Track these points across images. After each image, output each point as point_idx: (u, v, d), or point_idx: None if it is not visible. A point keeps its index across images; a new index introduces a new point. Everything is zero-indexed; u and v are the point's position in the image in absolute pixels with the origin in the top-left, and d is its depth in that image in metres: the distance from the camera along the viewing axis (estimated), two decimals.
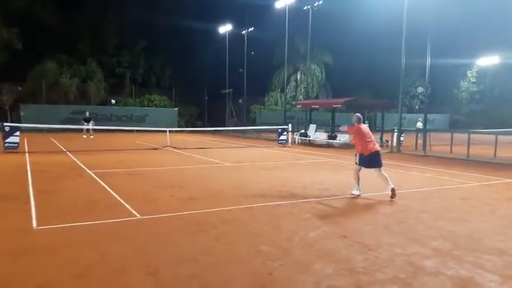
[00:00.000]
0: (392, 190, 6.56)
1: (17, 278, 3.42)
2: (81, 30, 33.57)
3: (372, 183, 7.30)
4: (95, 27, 34.21)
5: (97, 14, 34.18)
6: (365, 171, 6.96)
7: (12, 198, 6.43)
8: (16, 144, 13.58)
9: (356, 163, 6.94)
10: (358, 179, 6.87)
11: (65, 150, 14.76)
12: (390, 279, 3.44)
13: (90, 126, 21.90)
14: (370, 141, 6.72)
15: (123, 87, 35.95)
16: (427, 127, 17.87)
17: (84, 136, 22.27)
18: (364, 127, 6.90)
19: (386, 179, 6.69)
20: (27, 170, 9.43)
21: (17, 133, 13.69)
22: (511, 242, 4.54)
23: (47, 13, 31.23)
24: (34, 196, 6.53)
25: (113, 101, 32.49)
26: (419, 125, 23.56)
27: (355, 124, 6.86)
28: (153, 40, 37.19)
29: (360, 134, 6.78)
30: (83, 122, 22.59)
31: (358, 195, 6.82)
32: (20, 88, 29.93)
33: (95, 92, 32.38)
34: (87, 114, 23.41)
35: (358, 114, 6.82)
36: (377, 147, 6.80)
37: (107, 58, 35.28)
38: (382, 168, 6.79)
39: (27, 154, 13.00)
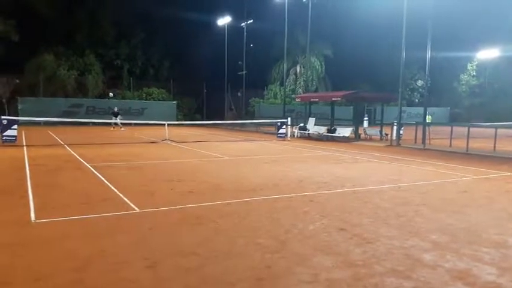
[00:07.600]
0: None
1: (15, 270, 3.41)
2: (79, 22, 33.23)
3: (372, 177, 7.28)
4: (92, 19, 33.87)
5: (94, 5, 33.82)
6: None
7: (10, 192, 6.42)
8: (14, 138, 13.53)
9: None
10: None
11: (63, 143, 14.72)
12: (388, 272, 3.45)
13: (118, 120, 23.38)
14: None
15: (121, 80, 35.76)
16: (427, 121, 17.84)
17: (112, 128, 23.59)
18: None
19: None
20: (25, 164, 9.40)
21: (15, 126, 13.64)
22: (508, 235, 4.55)
23: (44, 4, 30.89)
24: (32, 189, 6.51)
25: (111, 94, 32.37)
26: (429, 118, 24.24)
27: None
28: (151, 32, 36.87)
29: None
30: (112, 116, 24.34)
31: None
32: (17, 81, 29.72)
33: (93, 85, 32.18)
34: (116, 109, 25.05)
35: None
36: None
37: (105, 50, 35.00)
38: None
39: (25, 147, 12.95)
